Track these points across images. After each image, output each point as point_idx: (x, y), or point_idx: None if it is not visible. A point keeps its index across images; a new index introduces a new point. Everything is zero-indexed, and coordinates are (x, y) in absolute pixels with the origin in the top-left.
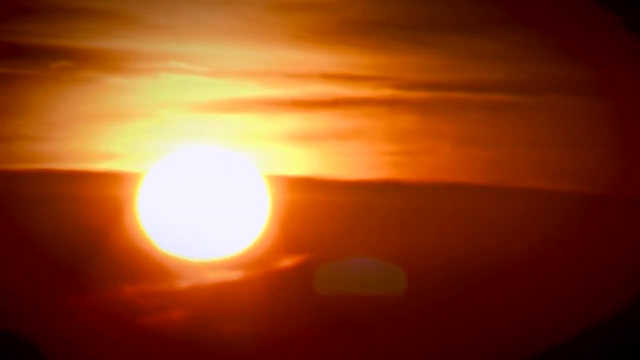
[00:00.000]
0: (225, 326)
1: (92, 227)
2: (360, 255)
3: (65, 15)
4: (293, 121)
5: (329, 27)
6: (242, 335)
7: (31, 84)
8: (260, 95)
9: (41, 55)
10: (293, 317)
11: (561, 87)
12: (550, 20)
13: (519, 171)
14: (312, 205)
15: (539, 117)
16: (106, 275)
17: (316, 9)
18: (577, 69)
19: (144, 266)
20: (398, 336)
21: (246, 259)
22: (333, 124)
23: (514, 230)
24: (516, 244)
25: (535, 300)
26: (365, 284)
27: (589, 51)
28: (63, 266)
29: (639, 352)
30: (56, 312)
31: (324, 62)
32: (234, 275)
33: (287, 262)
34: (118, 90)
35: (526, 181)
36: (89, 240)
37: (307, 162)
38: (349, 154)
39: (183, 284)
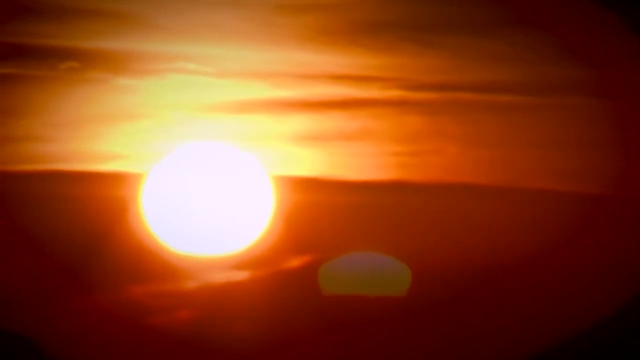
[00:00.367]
0: (232, 326)
1: (98, 228)
2: (364, 251)
3: (73, 17)
4: (301, 122)
5: (337, 28)
6: (248, 335)
7: (39, 85)
8: (268, 96)
9: (49, 56)
10: (299, 317)
11: (567, 88)
12: (557, 21)
13: (526, 172)
14: (319, 205)
15: (546, 118)
16: (112, 275)
17: (324, 10)
18: (583, 70)
19: (150, 266)
20: (402, 336)
21: (253, 259)
22: (340, 124)
23: (520, 230)
24: (522, 244)
25: (537, 300)
26: (370, 282)
27: (595, 52)
28: (69, 267)
29: (639, 352)
30: (62, 313)
31: (331, 63)
32: (241, 275)
33: (294, 262)
34: (125, 91)
35: (533, 182)
36: (96, 241)
37: (315, 163)
38: (356, 154)
39: (190, 284)
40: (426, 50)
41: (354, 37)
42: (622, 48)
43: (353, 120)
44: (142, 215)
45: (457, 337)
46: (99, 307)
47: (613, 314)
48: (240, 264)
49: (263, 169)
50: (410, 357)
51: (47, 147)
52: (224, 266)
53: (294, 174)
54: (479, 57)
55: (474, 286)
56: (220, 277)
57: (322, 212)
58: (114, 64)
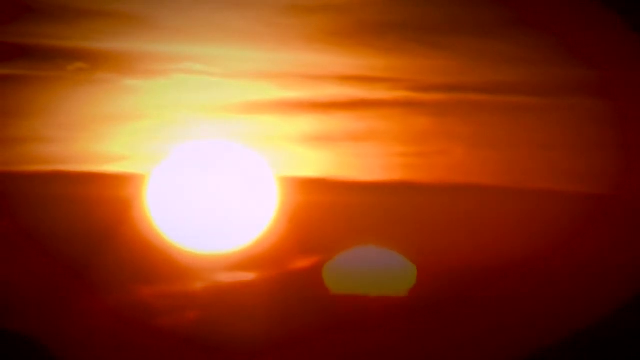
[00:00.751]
0: (238, 326)
1: (104, 229)
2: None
3: (80, 18)
4: (307, 122)
5: (344, 29)
6: (255, 335)
7: (46, 86)
8: (275, 96)
9: (56, 57)
10: (305, 317)
11: (574, 89)
12: (564, 23)
13: (533, 172)
14: (325, 206)
15: (553, 119)
16: (118, 276)
17: (332, 11)
18: (589, 71)
19: (157, 267)
20: (407, 335)
21: (259, 260)
22: (347, 125)
23: (527, 231)
24: (529, 245)
25: (538, 300)
26: (374, 281)
27: (602, 54)
28: (74, 268)
29: (638, 352)
30: (68, 314)
31: (338, 64)
32: (247, 275)
33: (300, 262)
34: (133, 91)
35: (539, 182)
36: (102, 242)
37: (321, 163)
38: (363, 155)
39: (197, 285)
40: (433, 52)
41: (361, 38)
42: (628, 49)
43: (360, 121)
44: (149, 215)
45: (460, 337)
46: (104, 308)
47: (613, 314)
48: (246, 264)
49: (270, 170)
50: (415, 356)
51: (54, 148)
52: (230, 264)
53: (300, 175)
54: (485, 58)
55: (480, 286)
56: (227, 278)
57: (329, 213)
58: (121, 64)
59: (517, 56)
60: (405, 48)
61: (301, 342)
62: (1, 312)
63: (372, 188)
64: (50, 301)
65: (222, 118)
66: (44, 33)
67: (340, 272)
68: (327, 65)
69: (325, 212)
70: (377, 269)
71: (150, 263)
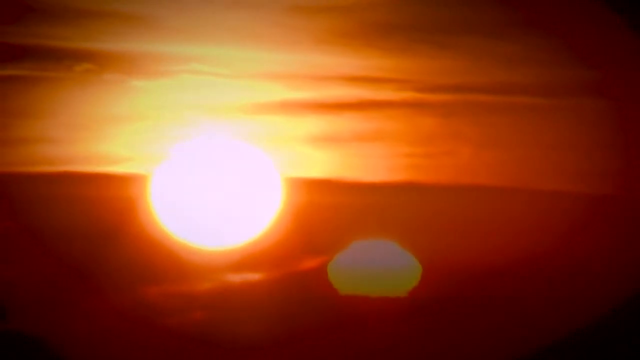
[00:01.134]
0: (244, 326)
1: (112, 229)
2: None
3: (88, 19)
4: (315, 123)
5: (351, 30)
6: (260, 335)
7: (54, 86)
8: (283, 97)
9: (64, 58)
10: (311, 317)
11: (581, 90)
12: (571, 24)
13: (540, 173)
14: (332, 206)
15: (560, 120)
16: (125, 276)
17: (339, 12)
18: (596, 72)
19: (164, 267)
20: (410, 335)
21: (265, 260)
22: (355, 126)
23: (534, 231)
24: (535, 245)
25: (538, 300)
26: (378, 280)
27: (609, 55)
28: (82, 268)
29: (638, 352)
30: (75, 314)
31: (346, 64)
32: (253, 276)
33: (307, 263)
34: (140, 92)
35: (546, 183)
36: (109, 242)
37: (328, 164)
38: (370, 155)
39: (203, 285)
40: (440, 52)
41: (369, 39)
42: (634, 50)
43: (367, 121)
44: (155, 215)
45: (462, 336)
46: (111, 308)
47: (613, 314)
48: (252, 263)
49: (277, 170)
50: (418, 356)
51: (61, 148)
52: (235, 262)
53: (307, 175)
54: (492, 59)
55: (485, 286)
56: (233, 278)
57: (335, 213)
58: (128, 65)
59: (524, 57)
60: (412, 49)
61: (306, 341)
62: (8, 313)
63: (379, 189)
64: (57, 301)
65: (229, 119)
66: (51, 34)
67: (344, 271)
68: (334, 66)
69: (332, 213)
70: (381, 268)
71: (157, 263)
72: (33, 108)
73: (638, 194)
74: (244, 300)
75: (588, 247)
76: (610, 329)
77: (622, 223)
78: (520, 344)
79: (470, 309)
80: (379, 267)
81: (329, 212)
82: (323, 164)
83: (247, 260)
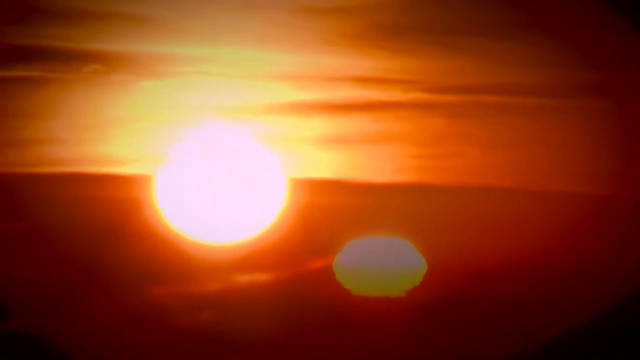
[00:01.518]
0: (250, 326)
1: (120, 230)
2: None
3: (96, 20)
4: (323, 124)
5: (360, 31)
6: (266, 335)
7: (62, 88)
8: (291, 98)
9: (72, 59)
10: (317, 317)
11: (589, 91)
12: (579, 25)
13: (549, 174)
14: (340, 207)
15: (569, 121)
16: (133, 277)
17: (347, 13)
18: (604, 73)
19: (171, 267)
20: (413, 335)
21: (272, 260)
22: (363, 127)
23: (541, 232)
24: (542, 246)
25: (543, 299)
26: (382, 277)
27: (616, 56)
28: (89, 269)
29: (638, 352)
30: (83, 314)
31: (354, 65)
32: (260, 276)
33: (314, 264)
34: (149, 93)
35: (555, 184)
36: (116, 242)
37: (337, 165)
38: (378, 157)
39: (211, 285)
40: (448, 53)
41: (377, 40)
42: None
43: (375, 122)
44: (162, 215)
45: (464, 336)
46: (118, 309)
47: (613, 314)
48: (259, 264)
49: (285, 170)
50: (420, 355)
51: (69, 149)
52: (242, 260)
53: (316, 176)
54: (501, 60)
55: (491, 287)
56: (240, 278)
57: (344, 215)
58: (138, 66)
59: (532, 58)
60: (420, 50)
61: (312, 341)
62: (15, 314)
63: (387, 189)
64: (64, 302)
65: (237, 120)
66: (59, 35)
67: (349, 271)
68: (342, 67)
69: (339, 214)
70: (386, 267)
71: (163, 263)
72: (41, 109)
73: None
74: (251, 300)
75: (596, 247)
76: (612, 329)
77: (630, 224)
78: (525, 344)
79: (477, 309)
80: (384, 266)
81: (336, 213)
82: (331, 165)
83: (254, 260)
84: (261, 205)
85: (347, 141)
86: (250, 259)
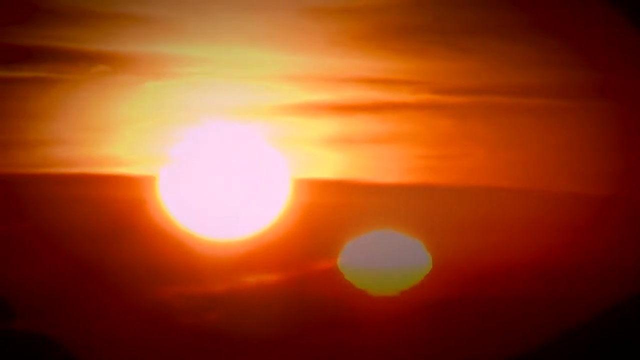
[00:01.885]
0: (256, 326)
1: (127, 230)
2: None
3: (104, 21)
4: (330, 125)
5: (367, 32)
6: (274, 335)
7: (69, 88)
8: (298, 99)
9: (80, 60)
10: (321, 318)
11: (596, 92)
12: (586, 26)
13: (556, 175)
14: (347, 208)
15: (576, 121)
16: (140, 276)
17: (354, 14)
18: (611, 74)
19: (178, 267)
20: (416, 335)
21: (277, 261)
22: (370, 128)
23: (548, 233)
24: (548, 246)
25: (545, 299)
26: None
27: (624, 58)
28: (95, 269)
29: (638, 352)
30: (90, 315)
31: (361, 66)
32: (268, 277)
33: (321, 264)
34: (156, 94)
35: (562, 185)
36: (123, 243)
37: (344, 165)
38: (385, 157)
39: (218, 286)
40: (455, 54)
41: (384, 41)
42: None
43: (382, 123)
44: (169, 216)
45: (465, 336)
46: (125, 309)
47: (613, 314)
48: (266, 265)
49: (292, 171)
50: (421, 355)
51: (76, 150)
52: (248, 256)
53: (322, 177)
54: (508, 60)
55: (499, 286)
56: (247, 279)
57: (350, 215)
58: (144, 67)
59: (539, 59)
60: (427, 51)
61: (316, 340)
62: (21, 314)
63: (394, 190)
64: (69, 303)
65: (244, 121)
66: (66, 36)
67: (354, 269)
68: (349, 68)
69: (346, 214)
70: (389, 265)
71: (170, 262)
72: (46, 110)
73: None
74: (257, 300)
75: (596, 247)
76: (612, 329)
77: (631, 224)
78: (525, 344)
79: (478, 309)
80: (389, 263)
81: (343, 213)
82: (338, 166)
83: (260, 260)
84: (267, 205)
85: (354, 142)
86: (256, 259)
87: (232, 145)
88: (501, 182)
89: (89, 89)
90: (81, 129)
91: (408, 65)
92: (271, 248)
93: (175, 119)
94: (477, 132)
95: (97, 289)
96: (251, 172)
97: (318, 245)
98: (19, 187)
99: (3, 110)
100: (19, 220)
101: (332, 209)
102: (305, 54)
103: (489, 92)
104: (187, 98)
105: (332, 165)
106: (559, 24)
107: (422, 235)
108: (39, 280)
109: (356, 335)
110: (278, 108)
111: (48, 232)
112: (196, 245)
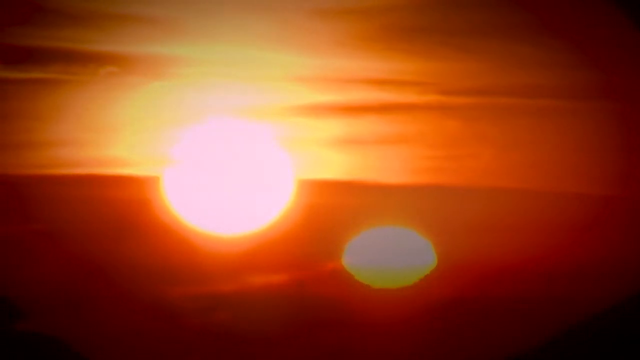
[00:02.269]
0: (264, 326)
1: (134, 231)
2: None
3: (111, 22)
4: (338, 126)
5: (375, 33)
6: (280, 335)
7: (77, 89)
8: (305, 100)
9: (88, 61)
10: (326, 319)
11: (603, 93)
12: (592, 27)
13: (562, 176)
14: (354, 208)
15: (583, 123)
16: (147, 277)
17: (361, 15)
18: (619, 75)
19: (185, 267)
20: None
21: (285, 261)
22: (377, 129)
23: (557, 234)
24: (553, 247)
25: (545, 299)
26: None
27: (630, 59)
28: (103, 269)
29: (637, 352)
30: (97, 315)
31: (368, 67)
32: (274, 277)
33: (327, 265)
34: (163, 95)
35: (569, 185)
36: (131, 243)
37: (351, 166)
38: (392, 158)
39: (226, 286)
40: (463, 55)
41: (391, 42)
42: None
43: (390, 124)
44: (175, 215)
45: (465, 336)
46: (133, 309)
47: (613, 314)
48: (272, 266)
49: (299, 172)
50: (421, 355)
51: (82, 151)
52: (253, 254)
53: (329, 177)
54: (515, 61)
55: (504, 287)
56: (254, 279)
57: (357, 216)
58: (153, 68)
59: (547, 60)
60: (434, 52)
61: (320, 340)
62: (28, 314)
63: (402, 191)
64: (77, 303)
65: (251, 122)
66: (74, 37)
67: (360, 268)
68: (356, 69)
69: (353, 215)
70: (393, 262)
71: (177, 262)
72: (53, 111)
73: None
74: (263, 300)
75: (597, 247)
76: (612, 329)
77: (631, 224)
78: (525, 344)
79: (479, 309)
80: (393, 261)
81: (350, 214)
82: (346, 167)
83: (266, 259)
84: (274, 205)
85: (361, 143)
86: (263, 259)
87: (240, 147)
88: (509, 182)
89: (94, 90)
90: (87, 130)
91: (415, 66)
92: (278, 248)
93: (181, 120)
94: (484, 133)
95: (104, 290)
96: (258, 173)
97: (325, 246)
98: (25, 188)
99: (8, 111)
100: (26, 221)
101: (340, 210)
102: (312, 55)
103: (496, 93)
104: (194, 99)
105: (339, 166)
106: (566, 25)
107: (429, 236)
108: (46, 280)
109: (361, 335)
110: (285, 109)
111: (54, 233)
112: (202, 244)
